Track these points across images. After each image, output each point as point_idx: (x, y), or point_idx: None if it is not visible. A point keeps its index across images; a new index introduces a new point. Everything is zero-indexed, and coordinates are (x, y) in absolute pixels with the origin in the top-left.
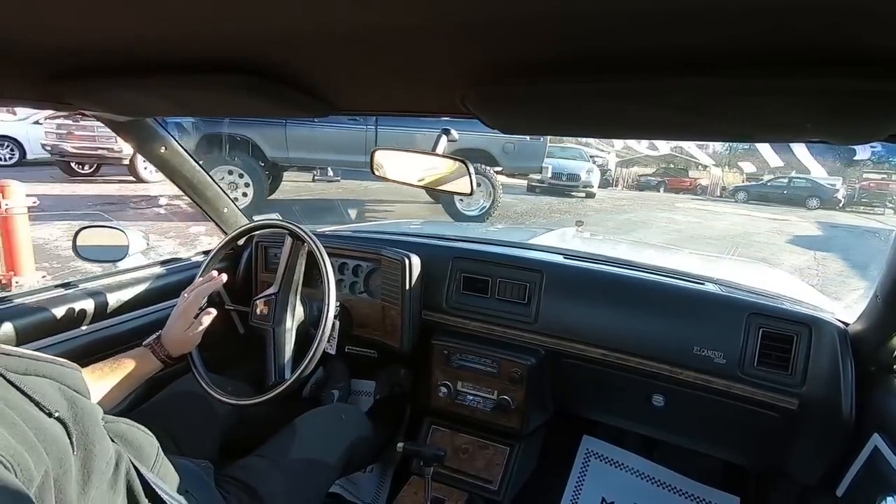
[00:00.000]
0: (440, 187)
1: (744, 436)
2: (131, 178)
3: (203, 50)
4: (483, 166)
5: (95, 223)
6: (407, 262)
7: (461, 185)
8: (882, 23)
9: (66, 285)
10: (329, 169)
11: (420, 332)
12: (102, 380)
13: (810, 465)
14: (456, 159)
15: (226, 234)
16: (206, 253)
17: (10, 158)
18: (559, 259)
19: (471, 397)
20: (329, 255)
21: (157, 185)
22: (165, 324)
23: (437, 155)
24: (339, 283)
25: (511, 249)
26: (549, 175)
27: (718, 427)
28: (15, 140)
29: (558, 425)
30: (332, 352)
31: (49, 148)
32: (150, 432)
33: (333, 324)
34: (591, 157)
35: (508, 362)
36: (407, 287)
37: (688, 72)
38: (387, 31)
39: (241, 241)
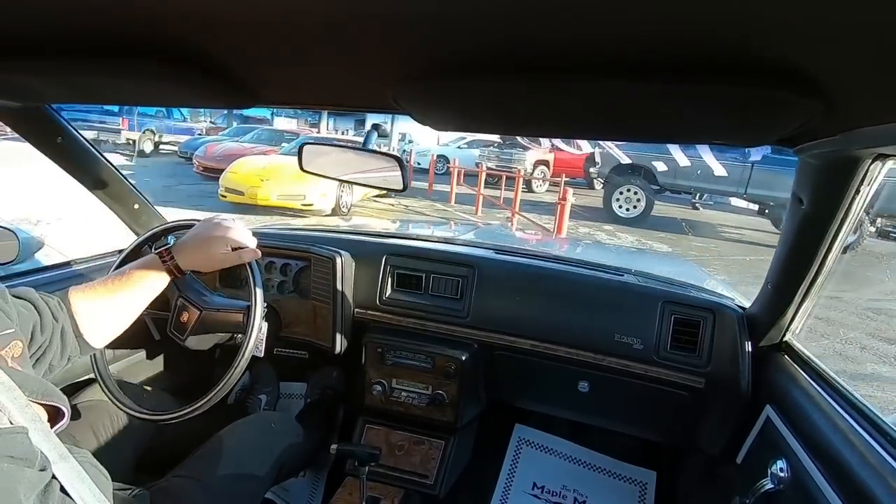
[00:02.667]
0: (372, 184)
1: (659, 415)
2: None
3: (112, 32)
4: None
5: None
6: (338, 259)
7: (393, 181)
8: (773, 37)
9: None
10: (706, 196)
11: (352, 331)
12: (115, 293)
13: (715, 438)
14: (390, 156)
15: (137, 234)
16: (117, 253)
17: None
18: (490, 254)
19: (405, 394)
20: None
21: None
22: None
23: (371, 151)
24: (266, 282)
25: (443, 245)
26: None
27: (637, 408)
28: None
29: (492, 416)
30: (261, 355)
31: None
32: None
33: (261, 326)
34: None
35: (442, 357)
36: (338, 285)
37: (604, 75)
38: (316, 21)
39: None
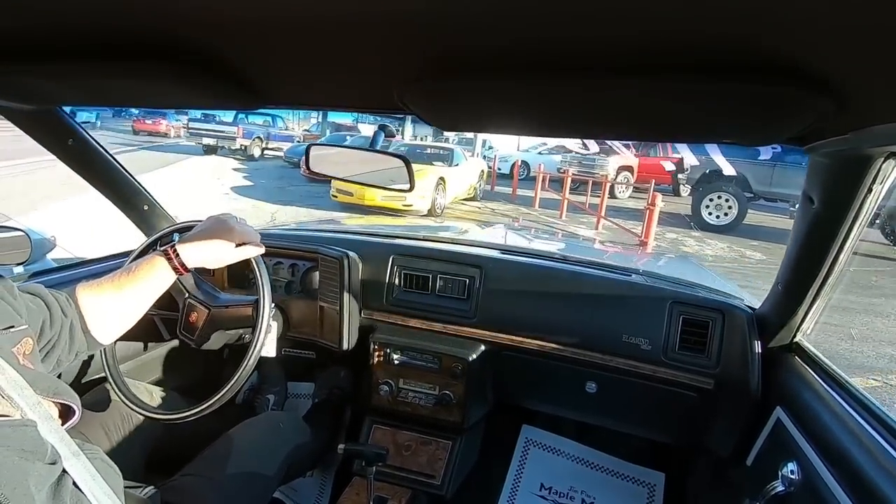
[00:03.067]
0: (378, 184)
1: (667, 416)
2: None
3: (122, 35)
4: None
5: None
6: (345, 259)
7: (400, 182)
8: (782, 35)
9: None
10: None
11: (360, 331)
12: (122, 289)
13: (724, 439)
14: (396, 156)
15: (147, 234)
16: (126, 254)
17: None
18: (497, 254)
19: (412, 394)
20: (264, 254)
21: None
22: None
23: (377, 151)
24: (274, 283)
25: (450, 246)
26: None
27: (645, 409)
28: None
29: (499, 416)
30: (273, 354)
31: None
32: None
33: (270, 326)
34: None
35: (449, 357)
36: (346, 285)
37: (615, 74)
38: (323, 22)
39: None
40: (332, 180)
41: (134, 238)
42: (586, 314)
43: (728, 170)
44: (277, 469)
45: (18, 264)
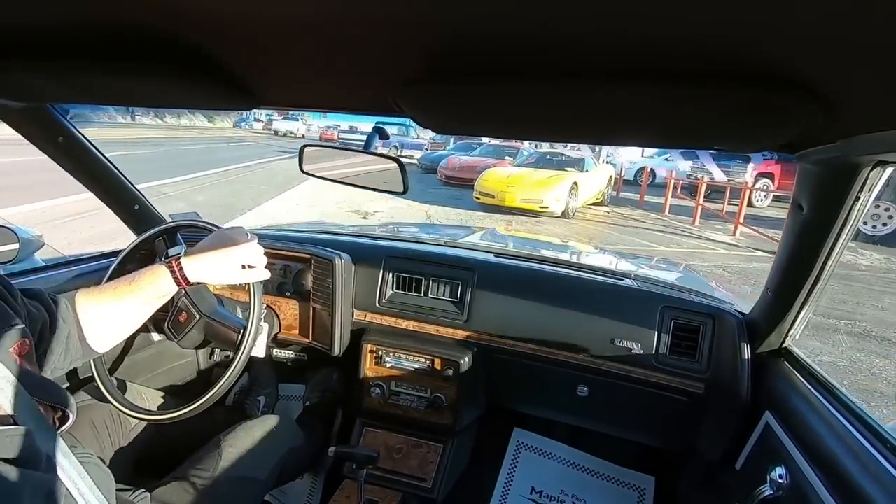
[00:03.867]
0: (372, 186)
1: (658, 420)
2: None
3: (115, 33)
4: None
5: None
6: (338, 261)
7: (393, 184)
8: (773, 44)
9: None
10: None
11: (352, 333)
12: (123, 298)
13: (714, 443)
14: (390, 158)
15: (136, 234)
16: (115, 253)
17: None
18: (490, 258)
19: (404, 396)
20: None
21: None
22: (197, 245)
23: (371, 153)
24: (266, 283)
25: (443, 248)
26: None
27: (636, 413)
28: None
29: (491, 420)
30: (261, 355)
31: None
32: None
33: (261, 327)
34: None
35: (441, 360)
36: (338, 287)
37: (607, 80)
38: (318, 24)
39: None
40: (476, 183)
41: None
42: (578, 318)
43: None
44: (269, 472)
45: (3, 263)
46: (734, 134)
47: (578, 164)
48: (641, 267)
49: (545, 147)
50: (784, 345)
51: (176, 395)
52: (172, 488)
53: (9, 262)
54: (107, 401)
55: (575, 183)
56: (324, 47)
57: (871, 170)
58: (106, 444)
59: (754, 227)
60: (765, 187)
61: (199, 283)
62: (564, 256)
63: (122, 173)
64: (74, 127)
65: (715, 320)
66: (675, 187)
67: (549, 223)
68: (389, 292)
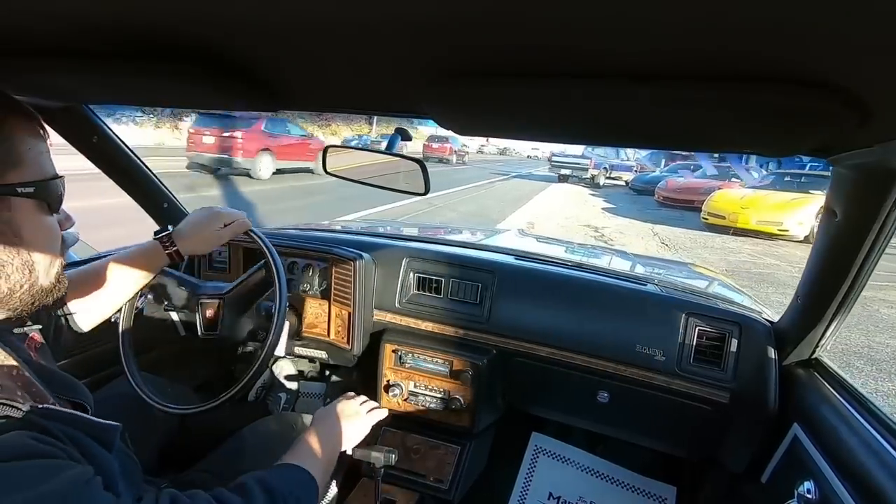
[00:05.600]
0: (394, 187)
1: (680, 429)
2: None
3: (146, 34)
4: None
5: None
6: (358, 261)
7: (415, 185)
8: (805, 47)
9: None
10: None
11: (371, 333)
12: (111, 277)
13: (739, 455)
14: (412, 159)
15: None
16: None
17: None
18: (511, 260)
19: (422, 397)
20: (279, 254)
21: None
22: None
23: (394, 154)
24: (288, 282)
25: (464, 250)
26: None
27: (658, 421)
28: None
29: (509, 423)
30: (282, 353)
31: None
32: None
33: (283, 325)
34: None
35: (460, 362)
36: (358, 287)
37: (634, 81)
38: (341, 25)
39: None
40: (705, 204)
41: None
42: (599, 323)
43: None
44: None
45: None
46: (766, 138)
47: (822, 184)
48: (665, 272)
49: (783, 168)
50: (814, 355)
51: (200, 390)
52: (194, 480)
53: None
54: (135, 393)
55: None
56: (348, 50)
57: None
58: (130, 437)
59: None
60: None
61: (208, 267)
62: (586, 260)
63: (152, 172)
64: (108, 127)
65: (742, 328)
66: None
67: (792, 247)
68: (409, 293)
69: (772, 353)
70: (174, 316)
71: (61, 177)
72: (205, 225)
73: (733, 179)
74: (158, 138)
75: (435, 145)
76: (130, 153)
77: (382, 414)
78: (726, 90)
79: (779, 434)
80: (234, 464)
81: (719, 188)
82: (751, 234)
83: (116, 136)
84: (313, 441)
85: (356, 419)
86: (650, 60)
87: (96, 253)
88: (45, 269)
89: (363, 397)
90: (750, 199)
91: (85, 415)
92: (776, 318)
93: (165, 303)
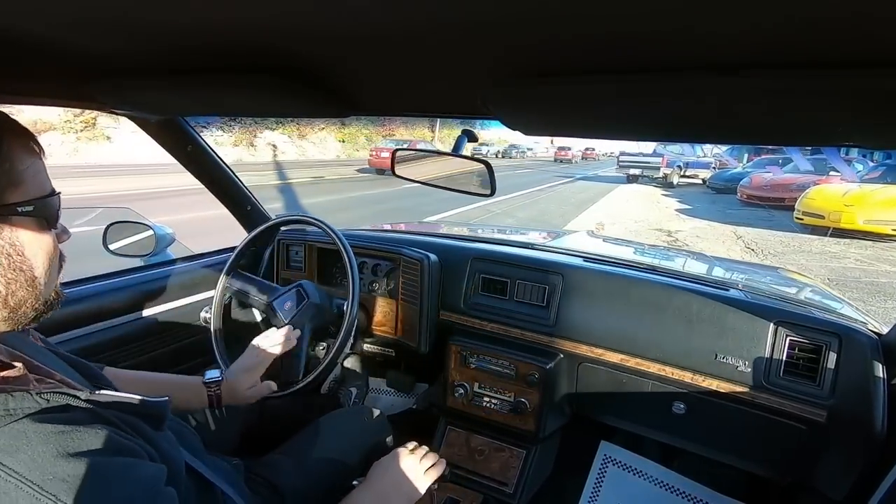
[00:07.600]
0: (461, 188)
1: (768, 447)
2: None
3: (232, 49)
4: None
5: (125, 219)
6: (426, 261)
7: (482, 186)
8: None
9: (94, 279)
10: None
11: (437, 333)
12: (158, 391)
13: (838, 481)
14: (478, 160)
15: (248, 231)
16: (230, 249)
17: None
18: (579, 262)
19: (487, 399)
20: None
21: None
22: (231, 368)
23: (460, 156)
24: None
25: (530, 251)
26: None
27: (741, 437)
28: None
29: (576, 429)
30: (353, 349)
31: None
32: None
33: (354, 322)
34: None
35: (525, 365)
36: (425, 287)
37: (711, 72)
38: (408, 29)
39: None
40: (798, 202)
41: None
42: (675, 329)
43: None
44: (358, 460)
45: (145, 255)
46: (872, 127)
47: None
48: (750, 276)
49: (894, 159)
50: None
51: (275, 379)
52: (270, 461)
53: (148, 253)
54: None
55: None
56: (416, 54)
57: None
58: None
59: None
60: None
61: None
62: (659, 262)
63: (238, 178)
64: (201, 137)
65: (842, 340)
66: None
67: None
68: (474, 294)
69: (879, 369)
70: (257, 316)
71: (58, 193)
72: (244, 382)
73: (831, 173)
74: (236, 155)
75: (562, 152)
76: (220, 162)
77: (440, 471)
78: (829, 77)
79: (887, 461)
80: (308, 449)
81: (815, 184)
82: (858, 235)
83: (208, 145)
84: (367, 501)
85: (414, 479)
86: (734, 49)
87: (190, 252)
88: (47, 283)
89: (423, 450)
90: (855, 195)
91: (134, 396)
92: (885, 331)
93: (248, 305)
